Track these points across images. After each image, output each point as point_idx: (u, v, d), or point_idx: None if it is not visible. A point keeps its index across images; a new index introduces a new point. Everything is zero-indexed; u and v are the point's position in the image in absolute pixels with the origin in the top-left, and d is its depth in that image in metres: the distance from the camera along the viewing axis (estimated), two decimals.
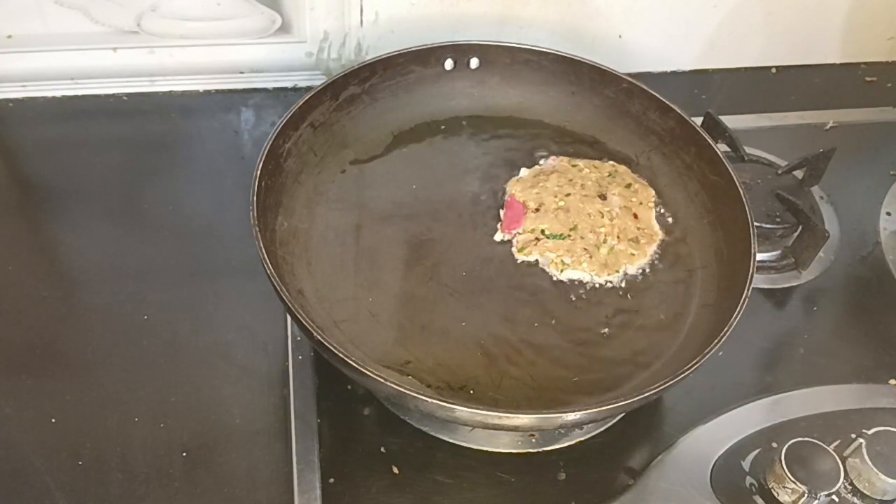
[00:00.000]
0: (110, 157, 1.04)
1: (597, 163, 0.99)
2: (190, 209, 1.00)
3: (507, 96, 1.03)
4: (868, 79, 1.24)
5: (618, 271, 0.89)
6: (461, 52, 1.00)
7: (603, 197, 0.94)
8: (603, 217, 0.92)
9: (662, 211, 0.95)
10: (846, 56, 1.25)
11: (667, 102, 0.97)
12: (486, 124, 1.02)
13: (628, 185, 0.96)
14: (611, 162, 0.99)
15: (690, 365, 0.74)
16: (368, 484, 0.79)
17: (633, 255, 0.90)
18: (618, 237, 0.91)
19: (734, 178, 0.89)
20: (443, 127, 1.02)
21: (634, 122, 1.00)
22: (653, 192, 0.96)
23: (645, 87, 0.98)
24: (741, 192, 0.88)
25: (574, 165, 0.97)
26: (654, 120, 0.99)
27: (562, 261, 0.89)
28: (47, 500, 0.77)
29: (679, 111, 0.96)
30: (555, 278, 0.89)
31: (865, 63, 1.26)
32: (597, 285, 0.89)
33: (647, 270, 0.90)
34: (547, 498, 0.79)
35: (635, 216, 0.93)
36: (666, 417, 0.85)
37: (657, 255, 0.91)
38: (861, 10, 1.19)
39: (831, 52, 1.24)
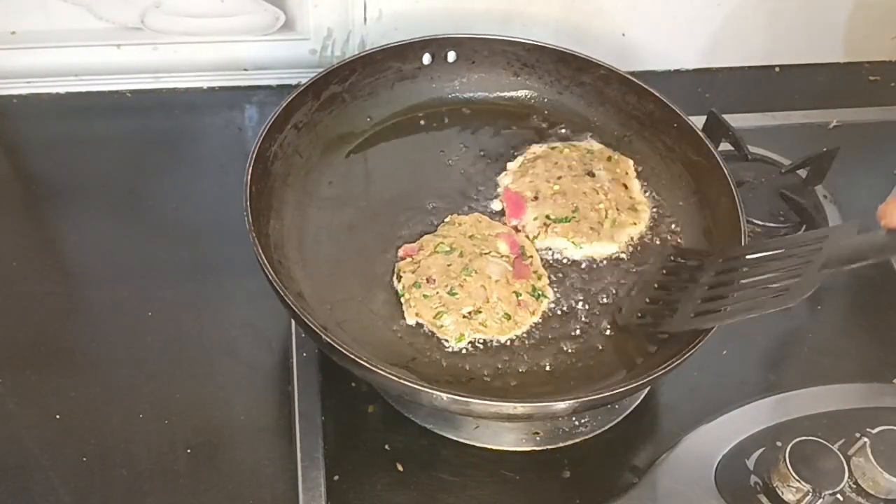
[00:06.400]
0: (114, 154, 1.04)
1: (574, 143, 0.99)
2: (193, 206, 1.00)
3: (486, 88, 1.03)
4: (872, 78, 1.24)
5: (623, 242, 0.90)
6: (437, 45, 1.00)
7: (591, 174, 0.94)
8: (598, 193, 0.93)
9: (649, 193, 0.96)
10: (850, 55, 1.25)
11: (643, 86, 0.97)
12: (466, 116, 1.02)
13: (609, 158, 0.97)
14: (585, 140, 1.00)
15: (678, 358, 0.74)
16: (373, 481, 0.79)
17: (635, 223, 0.92)
18: (616, 209, 0.92)
19: (717, 156, 0.90)
20: (422, 122, 1.01)
21: (614, 107, 1.01)
22: (632, 161, 0.97)
23: (621, 72, 0.98)
24: (725, 171, 0.88)
25: (553, 148, 0.98)
26: (633, 104, 0.99)
27: (572, 242, 0.89)
28: (51, 496, 0.77)
29: (656, 93, 0.96)
30: (563, 262, 0.89)
31: (869, 62, 1.26)
32: (605, 260, 0.89)
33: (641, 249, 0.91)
34: (551, 496, 0.80)
35: (625, 186, 0.95)
36: (670, 416, 0.85)
37: (649, 233, 0.92)
38: (865, 10, 1.19)
39: (835, 51, 1.24)
